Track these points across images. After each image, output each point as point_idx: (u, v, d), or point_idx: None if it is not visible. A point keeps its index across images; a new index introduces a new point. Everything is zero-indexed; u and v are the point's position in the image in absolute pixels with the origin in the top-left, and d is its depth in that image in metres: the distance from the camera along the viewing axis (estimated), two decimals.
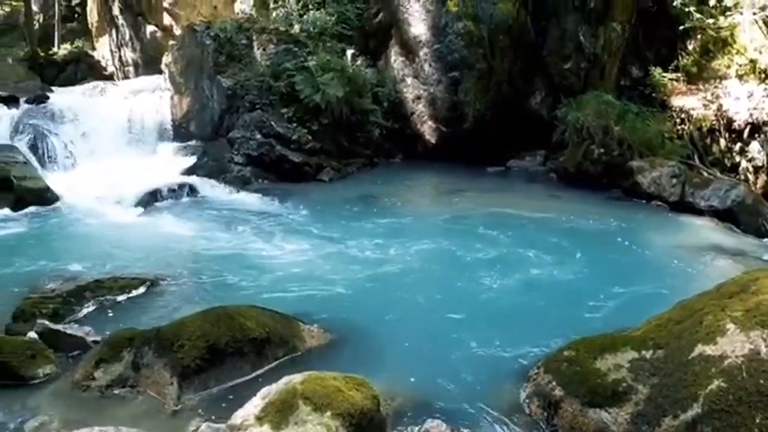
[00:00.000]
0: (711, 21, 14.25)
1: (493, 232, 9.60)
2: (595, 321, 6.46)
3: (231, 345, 5.34)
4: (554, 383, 4.92)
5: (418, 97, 14.85)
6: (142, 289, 7.36)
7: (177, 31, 19.30)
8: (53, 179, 12.18)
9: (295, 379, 4.47)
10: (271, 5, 16.39)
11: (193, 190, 12.05)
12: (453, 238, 9.35)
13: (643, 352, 4.88)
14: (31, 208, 11.01)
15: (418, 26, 14.69)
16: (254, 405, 4.36)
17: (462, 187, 12.66)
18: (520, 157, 14.57)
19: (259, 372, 5.40)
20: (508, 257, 8.52)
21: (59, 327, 6.07)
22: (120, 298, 7.14)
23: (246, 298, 6.87)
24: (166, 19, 20.97)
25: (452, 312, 6.90)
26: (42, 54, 21.88)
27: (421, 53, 14.68)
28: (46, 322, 6.06)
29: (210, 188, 12.28)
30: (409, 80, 14.95)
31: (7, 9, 26.00)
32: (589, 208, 11.34)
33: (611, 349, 4.98)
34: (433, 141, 14.85)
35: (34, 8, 23.91)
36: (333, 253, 8.75)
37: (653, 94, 14.58)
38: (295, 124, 13.60)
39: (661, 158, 12.40)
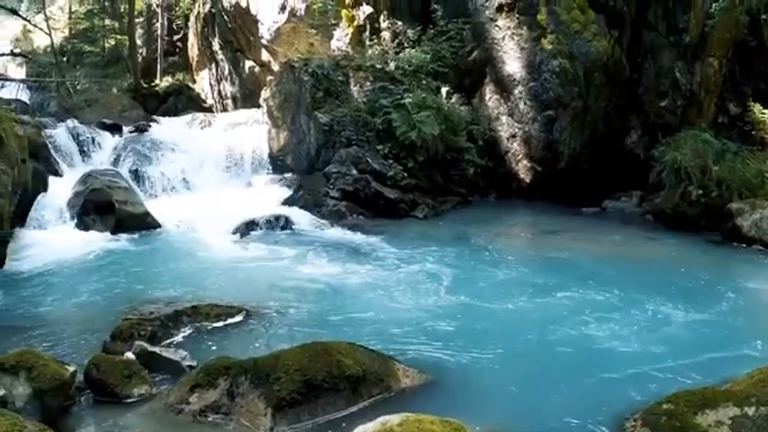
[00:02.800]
0: None
1: (590, 276, 9.43)
2: (693, 372, 6.24)
3: (327, 381, 5.37)
4: None
5: (513, 136, 14.84)
6: (238, 318, 7.48)
7: (275, 67, 19.79)
8: (153, 205, 12.63)
9: (393, 420, 4.45)
10: (367, 43, 16.68)
11: (288, 222, 12.27)
12: (549, 281, 9.22)
13: (746, 409, 4.75)
14: (131, 232, 11.46)
15: (513, 64, 14.72)
16: None
17: (557, 228, 12.55)
18: (616, 198, 14.35)
19: (352, 409, 5.39)
20: (606, 303, 8.34)
21: (156, 349, 6.25)
22: (216, 325, 7.27)
23: (339, 333, 6.91)
24: (264, 55, 21.55)
25: (549, 356, 6.81)
26: (145, 85, 22.80)
27: (516, 91, 14.69)
28: (144, 344, 6.24)
29: (305, 221, 12.46)
30: (503, 118, 14.97)
31: (113, 42, 27.15)
32: (687, 252, 11.07)
33: (712, 405, 4.84)
34: (527, 180, 14.81)
35: (138, 42, 24.96)
36: (428, 291, 8.71)
37: (752, 132, 14.22)
38: (390, 161, 13.80)
39: (762, 199, 11.96)
